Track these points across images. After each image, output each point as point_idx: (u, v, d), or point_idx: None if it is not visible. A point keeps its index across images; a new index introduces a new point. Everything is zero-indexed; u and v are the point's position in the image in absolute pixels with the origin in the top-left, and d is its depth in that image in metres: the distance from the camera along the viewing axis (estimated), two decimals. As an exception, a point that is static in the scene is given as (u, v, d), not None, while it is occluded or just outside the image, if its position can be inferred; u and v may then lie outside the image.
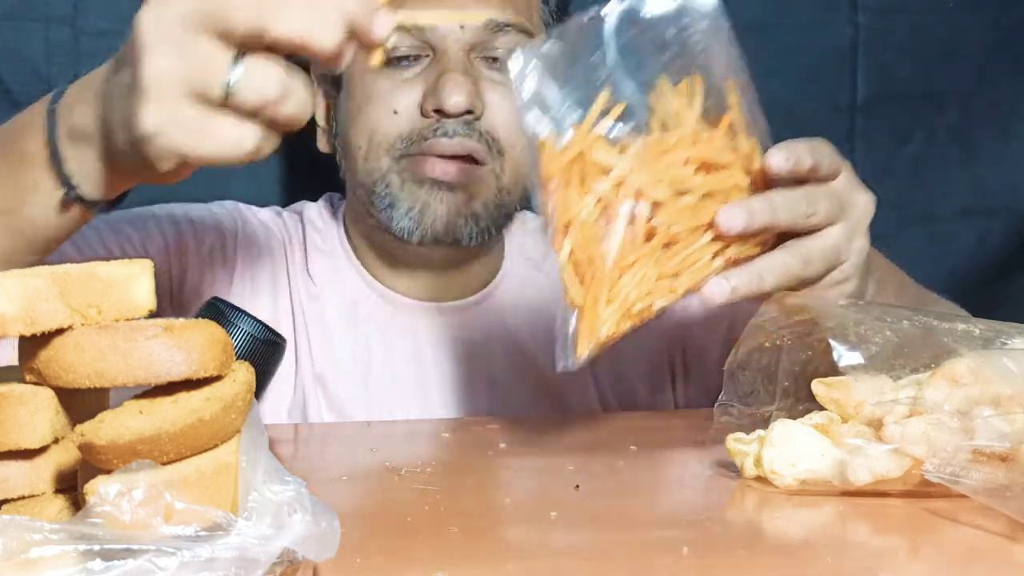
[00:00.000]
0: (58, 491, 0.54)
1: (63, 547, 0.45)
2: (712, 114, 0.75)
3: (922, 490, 0.66)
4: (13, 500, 0.53)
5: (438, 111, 1.01)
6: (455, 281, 1.12)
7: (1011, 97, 1.44)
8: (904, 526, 0.64)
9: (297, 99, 0.64)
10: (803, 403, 0.74)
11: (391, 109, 1.03)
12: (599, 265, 0.71)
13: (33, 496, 0.53)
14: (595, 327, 0.71)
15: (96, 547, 0.45)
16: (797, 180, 0.76)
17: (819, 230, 0.77)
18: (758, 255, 0.76)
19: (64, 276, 0.52)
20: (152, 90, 0.62)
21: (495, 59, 1.03)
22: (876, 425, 0.68)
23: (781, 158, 0.74)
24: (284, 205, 1.20)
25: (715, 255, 0.74)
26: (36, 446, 0.52)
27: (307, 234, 1.15)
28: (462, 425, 0.96)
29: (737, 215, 0.72)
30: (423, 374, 1.10)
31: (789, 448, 0.69)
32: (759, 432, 0.72)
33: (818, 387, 0.73)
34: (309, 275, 1.12)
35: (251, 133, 0.63)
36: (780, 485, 0.69)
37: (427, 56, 1.03)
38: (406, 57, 1.03)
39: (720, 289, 0.73)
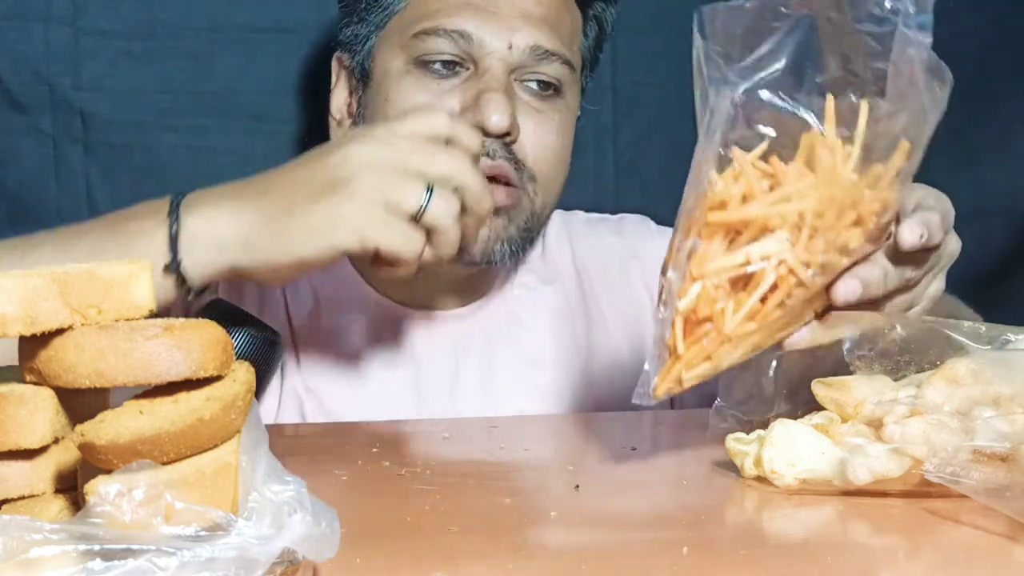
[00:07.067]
0: (58, 491, 0.54)
1: (63, 547, 0.45)
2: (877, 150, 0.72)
3: (922, 490, 0.66)
4: (13, 500, 0.53)
5: (478, 128, 0.97)
6: (453, 290, 1.11)
7: (1011, 97, 1.44)
8: (904, 526, 0.64)
9: (455, 235, 0.84)
10: (802, 406, 0.74)
11: None
12: (717, 326, 0.68)
13: (33, 496, 0.53)
14: (682, 378, 0.69)
15: (96, 547, 0.45)
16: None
17: None
18: None
19: (64, 276, 0.52)
20: (358, 193, 0.81)
21: (538, 82, 1.02)
22: (876, 425, 0.68)
23: (916, 236, 0.75)
24: None
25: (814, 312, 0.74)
26: (36, 446, 0.52)
27: None
28: (462, 425, 0.96)
29: (855, 289, 0.73)
30: (417, 382, 1.09)
31: (789, 448, 0.69)
32: (759, 432, 0.72)
33: (818, 387, 0.73)
34: (303, 282, 1.11)
35: (421, 241, 0.82)
36: (780, 485, 0.69)
37: (467, 69, 1.01)
38: (445, 64, 1.00)
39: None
